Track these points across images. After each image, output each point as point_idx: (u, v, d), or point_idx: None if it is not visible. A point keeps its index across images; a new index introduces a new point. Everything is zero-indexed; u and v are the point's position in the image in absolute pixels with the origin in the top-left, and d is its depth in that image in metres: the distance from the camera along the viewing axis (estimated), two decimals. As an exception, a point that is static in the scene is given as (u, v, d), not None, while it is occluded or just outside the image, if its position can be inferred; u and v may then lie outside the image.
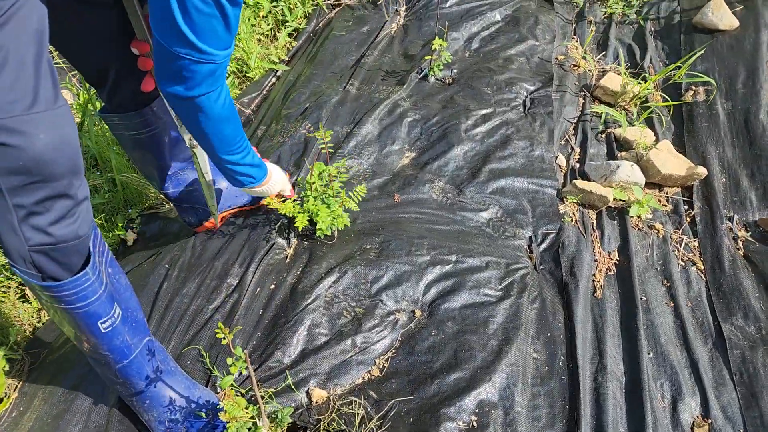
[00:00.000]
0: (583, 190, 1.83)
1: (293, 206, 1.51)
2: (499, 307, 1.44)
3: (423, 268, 1.51)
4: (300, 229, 1.51)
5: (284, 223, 1.62)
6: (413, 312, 1.42)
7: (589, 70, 2.47)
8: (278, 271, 1.49)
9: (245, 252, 1.52)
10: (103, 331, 1.00)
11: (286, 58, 2.72)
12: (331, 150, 1.65)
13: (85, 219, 0.92)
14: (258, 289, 1.43)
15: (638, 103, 2.26)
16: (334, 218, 1.46)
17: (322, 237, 1.56)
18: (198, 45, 0.90)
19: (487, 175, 1.89)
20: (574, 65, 2.50)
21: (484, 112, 2.13)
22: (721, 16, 2.46)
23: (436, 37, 2.22)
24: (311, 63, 2.55)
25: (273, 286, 1.45)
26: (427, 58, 2.26)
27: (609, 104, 2.30)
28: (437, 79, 2.33)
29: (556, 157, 2.04)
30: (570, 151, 2.09)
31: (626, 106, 2.27)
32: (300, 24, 2.88)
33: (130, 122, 1.25)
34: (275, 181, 1.43)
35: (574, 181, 1.86)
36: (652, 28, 2.68)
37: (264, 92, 2.55)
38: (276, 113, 2.26)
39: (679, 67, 2.28)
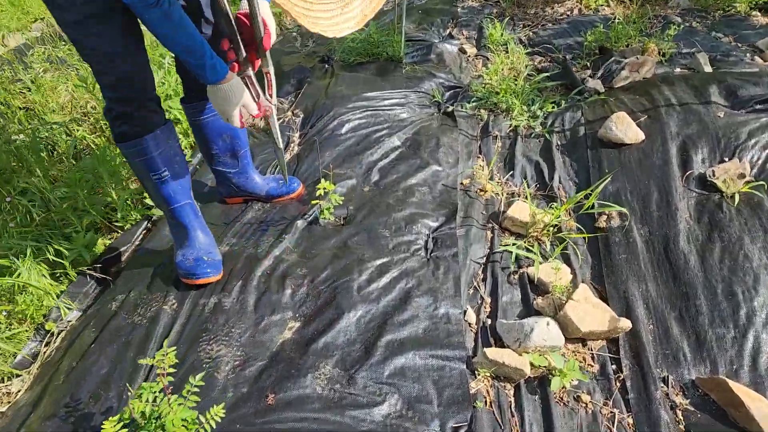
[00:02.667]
0: (495, 362, 1.50)
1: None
2: None
3: None
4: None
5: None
6: None
7: (497, 194, 2.22)
8: None
9: None
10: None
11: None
12: (172, 374, 1.23)
13: None
14: None
15: (551, 233, 2.00)
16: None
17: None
18: None
19: (383, 350, 1.53)
20: (481, 190, 2.24)
21: (380, 261, 1.80)
22: (626, 130, 2.29)
23: (322, 180, 1.91)
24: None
25: None
26: (314, 202, 1.94)
27: (520, 235, 2.03)
28: (329, 222, 2.01)
29: (465, 312, 1.71)
30: (480, 302, 1.77)
31: (538, 236, 2.01)
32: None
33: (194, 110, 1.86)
34: (237, 87, 1.49)
35: (485, 350, 1.53)
36: (559, 142, 2.50)
37: (135, 244, 2.15)
38: (141, 281, 1.86)
39: (589, 195, 2.05)
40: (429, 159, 2.29)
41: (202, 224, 1.83)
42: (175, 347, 1.25)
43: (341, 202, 1.97)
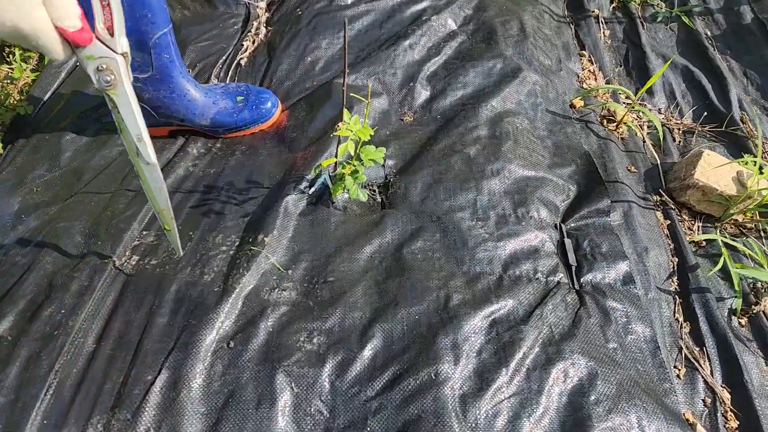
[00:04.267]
0: None
1: None
2: None
3: None
4: None
5: None
6: None
7: (637, 124, 1.18)
8: None
9: None
10: None
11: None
12: None
13: None
14: None
15: (757, 214, 1.03)
16: None
17: None
18: None
19: None
20: (607, 117, 1.20)
21: (488, 313, 0.77)
22: None
23: (345, 113, 0.78)
24: (52, 154, 1.01)
25: None
26: (325, 163, 0.82)
27: (709, 216, 1.04)
28: (351, 202, 0.91)
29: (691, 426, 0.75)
30: (710, 398, 0.80)
31: (742, 221, 1.03)
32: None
33: None
34: None
35: None
36: (708, 32, 1.44)
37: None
38: None
39: None
40: (515, 58, 1.17)
41: None
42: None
43: (381, 159, 0.85)
